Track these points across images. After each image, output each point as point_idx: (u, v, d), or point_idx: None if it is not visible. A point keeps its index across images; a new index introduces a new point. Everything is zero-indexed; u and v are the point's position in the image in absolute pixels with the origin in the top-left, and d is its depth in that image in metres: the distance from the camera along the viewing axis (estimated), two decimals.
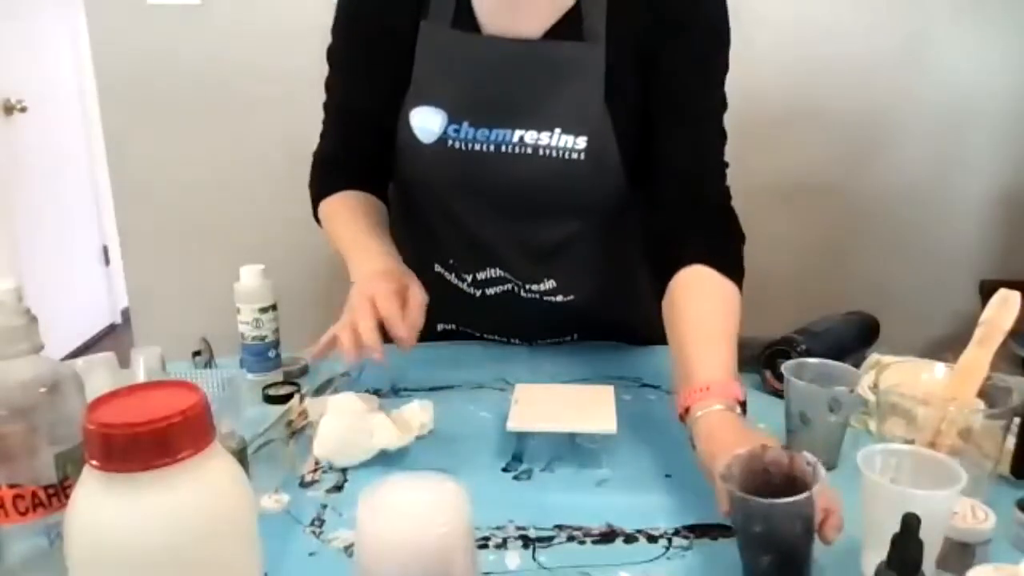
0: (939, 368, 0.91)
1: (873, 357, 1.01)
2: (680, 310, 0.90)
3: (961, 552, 0.67)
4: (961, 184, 2.14)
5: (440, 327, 1.20)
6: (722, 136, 1.01)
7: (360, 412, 0.87)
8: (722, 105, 1.01)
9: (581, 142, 0.96)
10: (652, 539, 0.74)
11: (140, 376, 0.89)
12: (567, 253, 1.07)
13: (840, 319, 1.11)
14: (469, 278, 1.12)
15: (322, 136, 1.12)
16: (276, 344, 1.06)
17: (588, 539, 0.74)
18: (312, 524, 0.76)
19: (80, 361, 0.88)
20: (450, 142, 0.98)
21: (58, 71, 3.34)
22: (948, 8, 2.00)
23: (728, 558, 0.72)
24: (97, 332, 3.60)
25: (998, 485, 0.82)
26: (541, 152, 0.97)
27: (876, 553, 0.59)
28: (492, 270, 1.10)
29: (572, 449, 0.89)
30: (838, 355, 0.92)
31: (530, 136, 0.97)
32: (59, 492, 0.61)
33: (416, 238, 1.12)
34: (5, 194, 2.95)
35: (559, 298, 1.11)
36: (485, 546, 0.73)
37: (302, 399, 0.96)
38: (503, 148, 0.98)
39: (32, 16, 3.16)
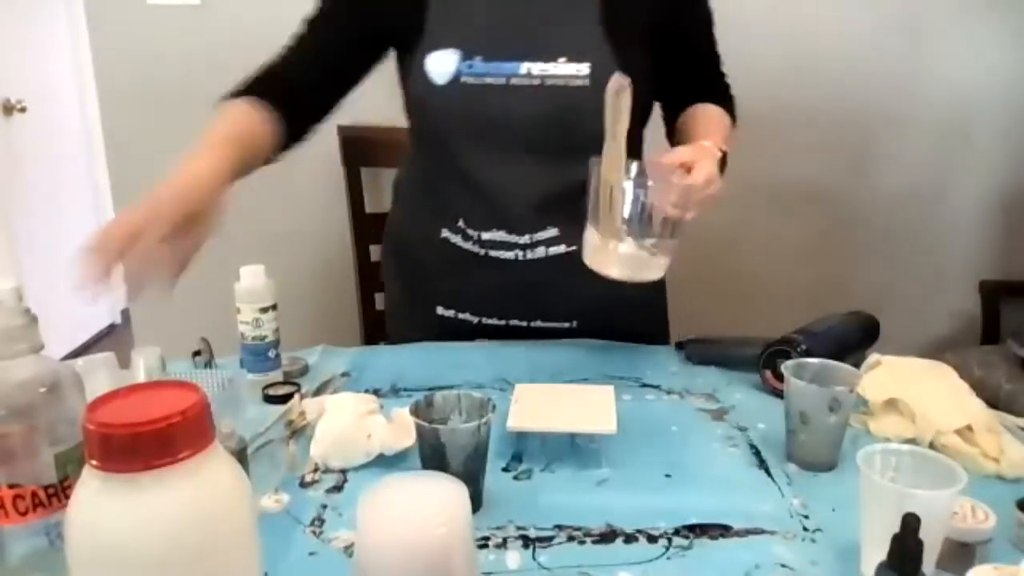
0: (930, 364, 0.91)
1: (873, 357, 1.01)
2: (691, 114, 1.14)
3: (961, 552, 0.67)
4: (961, 185, 2.13)
5: (439, 312, 1.21)
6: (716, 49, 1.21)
7: (357, 414, 0.86)
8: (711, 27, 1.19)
9: (584, 68, 1.02)
10: (652, 539, 0.74)
11: (140, 376, 0.89)
12: (570, 198, 1.08)
13: (840, 319, 1.11)
14: (475, 236, 1.13)
15: (279, 54, 1.14)
16: (276, 344, 1.06)
17: (588, 539, 0.74)
18: (312, 524, 0.76)
19: (80, 361, 0.88)
20: (463, 78, 1.04)
21: (58, 71, 3.34)
22: (948, 9, 2.00)
23: (728, 558, 0.72)
24: (97, 332, 3.60)
25: (998, 485, 0.82)
26: (548, 82, 1.03)
27: (876, 553, 0.59)
28: (498, 232, 1.12)
29: (572, 449, 0.89)
30: (838, 355, 0.92)
31: (537, 67, 1.03)
32: (59, 492, 0.61)
33: (429, 200, 1.16)
34: (5, 194, 2.95)
35: (562, 248, 1.12)
36: (485, 546, 0.73)
37: (302, 399, 0.96)
38: (512, 80, 1.04)
39: (32, 16, 3.16)
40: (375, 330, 1.75)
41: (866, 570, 0.66)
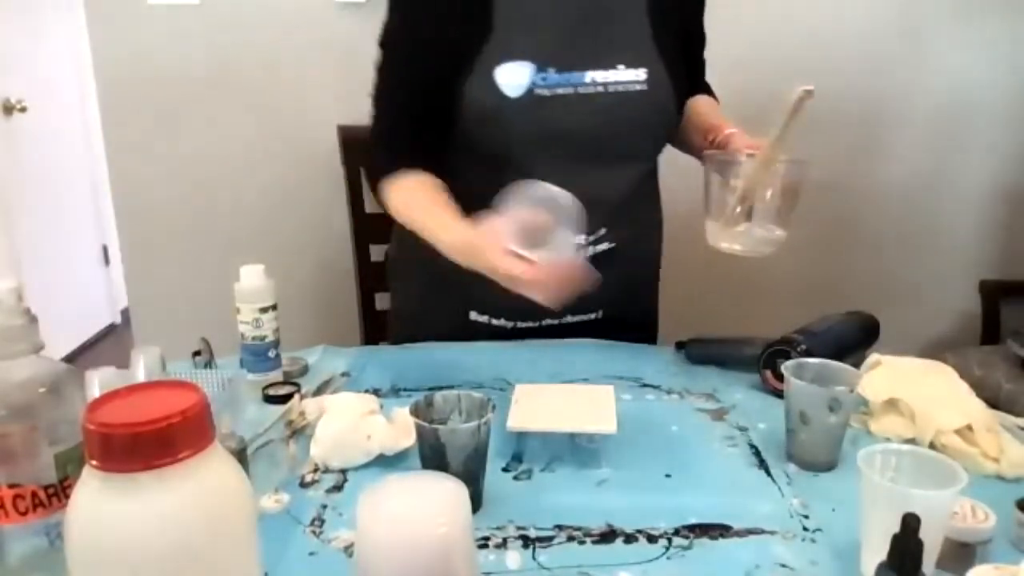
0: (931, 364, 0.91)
1: (873, 357, 1.01)
2: (694, 107, 1.20)
3: (961, 552, 0.67)
4: (961, 183, 2.13)
5: (472, 317, 1.20)
6: None
7: (358, 414, 0.86)
8: None
9: (642, 74, 1.08)
10: (652, 539, 0.74)
11: (140, 376, 0.89)
12: (618, 197, 1.15)
13: (840, 319, 1.11)
14: None
15: (376, 118, 1.14)
16: (276, 344, 1.06)
17: (588, 539, 0.74)
18: (312, 524, 0.76)
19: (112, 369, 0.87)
20: (537, 90, 1.05)
21: (58, 71, 3.34)
22: (948, 8, 2.00)
23: (728, 558, 0.72)
24: (97, 332, 3.60)
25: (998, 485, 0.82)
26: (610, 88, 1.07)
27: (876, 553, 0.59)
28: None
29: (572, 449, 0.89)
30: (838, 355, 0.93)
31: (599, 75, 1.07)
32: (59, 492, 0.61)
33: (474, 204, 1.12)
34: (5, 194, 2.95)
35: (605, 245, 1.15)
36: (485, 546, 0.73)
37: (302, 399, 0.96)
38: (579, 89, 1.06)
39: (32, 16, 3.16)
40: (375, 330, 1.75)
41: (866, 570, 0.66)
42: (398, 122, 1.12)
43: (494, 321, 1.20)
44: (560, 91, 1.05)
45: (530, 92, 1.04)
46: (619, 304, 1.23)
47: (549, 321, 1.20)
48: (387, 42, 1.11)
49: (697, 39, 1.24)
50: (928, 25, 2.01)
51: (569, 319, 1.20)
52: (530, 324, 1.20)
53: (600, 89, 1.06)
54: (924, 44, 2.03)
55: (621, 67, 1.07)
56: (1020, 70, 2.06)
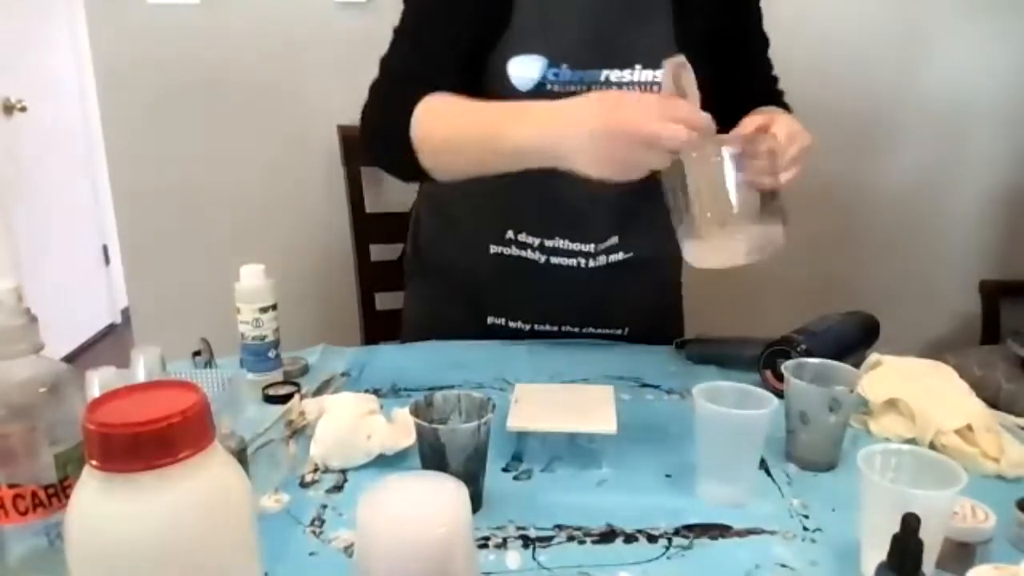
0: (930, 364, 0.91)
1: (873, 357, 1.01)
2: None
3: (961, 552, 0.67)
4: (961, 184, 2.14)
5: (490, 320, 1.20)
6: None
7: (358, 414, 0.86)
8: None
9: (659, 75, 1.01)
10: (652, 539, 0.74)
11: (140, 376, 0.89)
12: (630, 205, 1.11)
13: (840, 319, 1.11)
14: (535, 243, 1.12)
15: (392, 53, 1.05)
16: (276, 344, 1.06)
17: (588, 539, 0.74)
18: (312, 524, 0.76)
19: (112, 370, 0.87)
20: (548, 86, 1.01)
21: (58, 71, 3.34)
22: (948, 8, 2.00)
23: (728, 558, 0.72)
24: (97, 332, 3.60)
25: (998, 485, 0.82)
26: (624, 88, 1.03)
27: (876, 553, 0.59)
28: (562, 240, 1.11)
29: (572, 449, 0.89)
30: (838, 355, 0.93)
31: (615, 75, 1.03)
32: (59, 492, 0.61)
33: (479, 210, 1.11)
34: (5, 194, 2.95)
35: (620, 255, 1.13)
36: (485, 546, 0.73)
37: (302, 399, 0.96)
38: (592, 88, 1.02)
39: (32, 16, 3.16)
40: (375, 330, 1.75)
41: (866, 570, 0.66)
42: (427, 50, 1.01)
43: (511, 323, 1.20)
44: (572, 88, 1.02)
45: (540, 86, 1.01)
46: (646, 320, 1.22)
47: (568, 328, 1.19)
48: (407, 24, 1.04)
49: (755, 39, 1.18)
50: (928, 25, 2.01)
51: (590, 330, 1.20)
52: (548, 327, 1.19)
53: (614, 89, 1.03)
54: (924, 44, 2.03)
55: (638, 67, 1.03)
56: (1020, 70, 2.06)
